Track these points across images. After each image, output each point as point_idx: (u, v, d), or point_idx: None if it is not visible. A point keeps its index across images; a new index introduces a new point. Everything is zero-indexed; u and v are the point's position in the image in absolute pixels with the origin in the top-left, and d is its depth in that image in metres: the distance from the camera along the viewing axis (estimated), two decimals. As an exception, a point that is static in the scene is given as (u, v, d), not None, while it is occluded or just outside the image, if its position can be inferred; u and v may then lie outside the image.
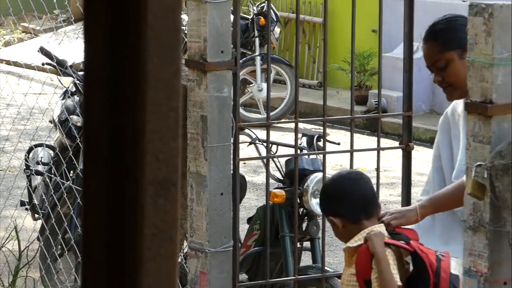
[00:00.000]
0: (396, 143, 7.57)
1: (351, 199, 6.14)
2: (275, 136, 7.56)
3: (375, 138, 7.42)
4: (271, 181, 7.70)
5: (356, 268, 6.03)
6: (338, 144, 7.78)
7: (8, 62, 22.07)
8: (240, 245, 7.18)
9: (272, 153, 7.67)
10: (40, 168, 9.87)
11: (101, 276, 2.21)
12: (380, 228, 6.15)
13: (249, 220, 8.04)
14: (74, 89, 9.81)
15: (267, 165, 7.62)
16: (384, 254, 5.99)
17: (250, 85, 16.26)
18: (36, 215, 9.73)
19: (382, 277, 5.94)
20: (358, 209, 6.10)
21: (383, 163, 7.64)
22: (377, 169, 7.36)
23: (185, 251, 6.72)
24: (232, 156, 6.75)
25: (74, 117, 9.30)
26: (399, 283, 6.01)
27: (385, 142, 7.86)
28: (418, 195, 7.49)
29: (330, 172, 7.86)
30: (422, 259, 6.08)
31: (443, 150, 6.51)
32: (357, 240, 6.06)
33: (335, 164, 8.06)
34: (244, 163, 7.00)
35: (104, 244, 2.08)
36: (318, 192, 7.62)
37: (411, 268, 6.12)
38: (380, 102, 8.89)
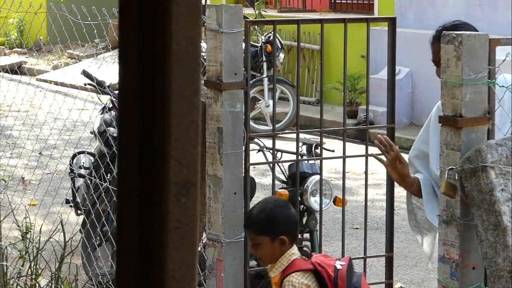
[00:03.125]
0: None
1: (291, 219, 6.04)
2: (279, 144, 7.54)
3: (364, 146, 7.41)
4: (276, 182, 7.70)
5: None
6: (333, 151, 7.76)
7: (56, 83, 22.10)
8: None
9: (277, 158, 7.66)
10: (82, 171, 9.87)
11: (133, 262, 2.20)
12: (290, 255, 5.89)
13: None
14: (111, 105, 9.81)
15: (273, 169, 7.62)
16: None
17: (259, 102, 16.23)
18: (79, 211, 9.72)
19: None
20: (291, 232, 5.95)
21: (371, 167, 7.62)
22: (366, 172, 7.36)
23: (204, 241, 6.69)
24: (243, 161, 6.74)
25: (111, 129, 9.30)
26: None
27: (372, 149, 7.79)
28: (399, 193, 7.48)
29: (326, 174, 7.85)
30: (321, 274, 5.87)
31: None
32: (277, 268, 5.87)
33: (330, 168, 8.05)
34: (254, 167, 6.98)
35: (136, 236, 2.08)
36: (317, 192, 7.62)
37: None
38: (368, 116, 8.86)
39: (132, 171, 2.08)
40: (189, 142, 2.04)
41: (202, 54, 6.78)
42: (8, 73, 22.09)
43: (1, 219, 9.47)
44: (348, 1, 19.93)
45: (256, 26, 13.92)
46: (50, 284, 8.49)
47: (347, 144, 7.36)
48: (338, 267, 5.99)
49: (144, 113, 1.99)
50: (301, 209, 7.73)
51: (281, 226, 5.85)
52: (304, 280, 5.75)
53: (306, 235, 7.80)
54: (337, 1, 20.22)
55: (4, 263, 9.06)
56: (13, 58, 24.31)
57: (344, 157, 7.23)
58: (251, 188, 7.22)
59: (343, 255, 7.51)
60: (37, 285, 8.65)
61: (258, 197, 7.84)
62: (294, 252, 5.82)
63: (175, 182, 2.04)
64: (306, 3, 20.77)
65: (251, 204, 7.21)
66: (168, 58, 2.00)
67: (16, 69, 22.80)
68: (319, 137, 7.73)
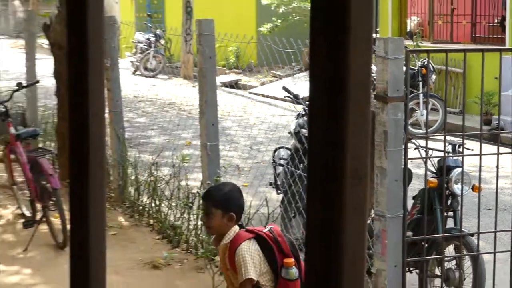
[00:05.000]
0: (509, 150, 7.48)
1: (241, 204, 5.87)
2: (430, 144, 7.44)
3: (496, 147, 7.32)
4: (428, 173, 7.62)
5: (233, 269, 5.60)
6: (472, 150, 7.63)
7: (263, 95, 22.27)
8: (407, 213, 7.09)
9: (429, 155, 7.58)
10: (282, 162, 9.91)
11: (317, 232, 2.19)
12: (236, 228, 5.71)
13: (414, 198, 7.93)
14: (303, 112, 9.83)
15: (425, 163, 7.54)
16: (241, 260, 5.53)
17: (415, 112, 16.10)
18: (278, 191, 9.75)
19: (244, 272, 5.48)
20: (239, 213, 5.77)
21: (501, 162, 7.49)
22: (497, 166, 7.23)
23: (372, 216, 6.64)
24: (403, 156, 6.69)
25: (303, 130, 9.31)
26: (252, 274, 5.50)
27: (502, 149, 7.70)
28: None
29: (466, 168, 7.72)
30: (263, 237, 5.67)
31: None
32: (226, 240, 5.66)
33: (470, 163, 7.90)
34: (411, 161, 6.89)
35: (320, 212, 2.07)
36: (459, 181, 7.50)
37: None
38: (499, 123, 8.78)
39: (319, 162, 2.08)
40: (362, 142, 2.04)
41: (372, 75, 6.76)
42: (228, 87, 22.35)
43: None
44: (485, 35, 19.55)
45: (414, 54, 13.76)
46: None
47: (483, 145, 7.22)
48: (271, 228, 5.86)
49: (328, 119, 1.98)
50: (446, 194, 7.63)
51: (233, 205, 5.69)
52: (252, 246, 5.58)
53: (450, 214, 7.69)
54: (477, 35, 19.85)
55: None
56: (231, 77, 24.49)
57: (480, 155, 7.12)
58: (408, 177, 7.15)
59: (478, 229, 7.39)
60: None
61: (414, 184, 7.75)
62: (236, 228, 5.65)
63: (350, 171, 2.03)
64: (453, 36, 20.46)
65: (408, 189, 7.13)
66: (347, 79, 1.99)
67: (233, 85, 23.10)
68: (461, 139, 7.64)
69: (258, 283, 5.48)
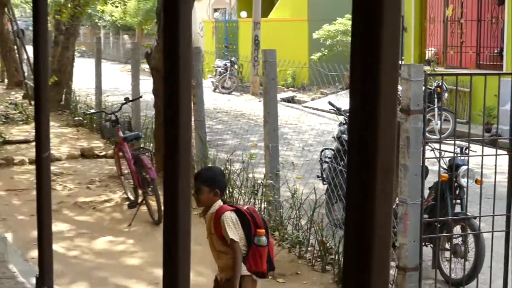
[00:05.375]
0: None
1: (223, 182, 5.85)
2: (443, 147, 7.39)
3: (494, 149, 7.30)
4: (441, 169, 7.59)
5: (217, 233, 5.55)
6: (475, 152, 7.57)
7: (313, 108, 22.22)
8: (424, 200, 7.04)
9: (442, 155, 7.52)
10: (327, 159, 9.88)
11: (354, 214, 2.18)
12: (220, 202, 5.67)
13: (429, 188, 7.87)
14: (344, 122, 9.80)
15: (439, 161, 7.49)
16: (225, 225, 5.50)
17: (431, 122, 15.97)
18: (324, 183, 9.72)
19: (223, 234, 5.47)
20: (222, 189, 5.75)
21: (498, 161, 7.46)
22: (495, 165, 7.19)
23: (396, 202, 6.59)
24: (421, 156, 6.64)
25: (344, 135, 9.30)
26: (232, 235, 5.42)
27: (499, 151, 7.63)
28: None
29: (471, 165, 7.66)
30: (242, 211, 5.61)
31: None
32: (212, 211, 5.60)
33: (473, 162, 7.82)
34: (428, 160, 6.84)
35: (357, 198, 2.06)
36: (465, 175, 7.48)
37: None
38: (497, 131, 8.71)
39: (356, 160, 2.07)
40: (389, 145, 2.02)
41: (398, 93, 6.75)
42: (285, 102, 22.33)
43: (280, 185, 9.57)
44: (487, 63, 19.41)
45: (431, 77, 13.65)
46: (308, 223, 8.50)
47: (484, 148, 7.16)
48: (247, 206, 5.88)
49: (363, 127, 1.98)
50: (455, 185, 7.59)
51: (218, 184, 5.65)
52: (232, 215, 5.53)
53: (458, 201, 7.64)
54: (480, 62, 19.70)
55: (281, 210, 9.14)
56: (288, 94, 24.49)
57: (482, 156, 7.05)
58: (425, 172, 7.11)
59: (480, 213, 7.32)
60: (299, 224, 8.69)
61: (429, 177, 7.69)
62: (220, 202, 5.60)
63: (380, 167, 2.02)
64: (461, 63, 20.33)
65: (425, 182, 7.07)
66: (379, 96, 1.98)
67: (290, 100, 23.06)
68: (467, 143, 7.59)
69: (234, 244, 5.46)
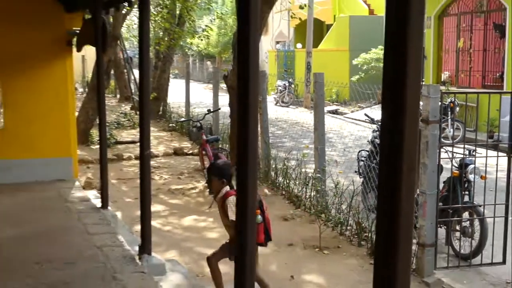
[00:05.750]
0: None
1: (229, 173, 5.63)
2: (455, 150, 7.30)
3: (495, 152, 7.18)
4: (453, 167, 7.47)
5: (224, 212, 5.52)
6: (480, 153, 7.45)
7: (352, 118, 21.96)
8: (439, 191, 6.93)
9: (454, 156, 7.39)
10: (363, 158, 9.74)
11: (384, 201, 2.17)
12: (227, 188, 5.60)
13: (444, 182, 7.71)
14: (376, 129, 9.68)
15: (451, 161, 7.37)
16: (228, 207, 5.46)
17: (446, 130, 15.69)
18: (360, 176, 9.60)
19: (228, 214, 5.42)
20: (228, 179, 5.60)
21: (500, 161, 7.33)
22: (496, 164, 7.09)
23: (417, 193, 6.50)
24: (437, 157, 6.55)
25: (376, 140, 9.17)
26: (231, 218, 5.38)
27: (500, 154, 7.51)
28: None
29: (477, 165, 7.53)
30: None
31: None
32: (220, 196, 5.56)
33: (479, 162, 7.69)
34: (442, 160, 6.76)
35: (387, 188, 2.04)
36: (472, 172, 7.36)
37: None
38: (498, 137, 8.51)
39: (386, 159, 2.05)
40: (412, 148, 2.00)
41: (420, 107, 6.68)
42: (331, 113, 22.17)
43: (326, 178, 9.51)
44: (491, 84, 19.08)
45: (445, 94, 13.43)
46: (347, 208, 8.44)
47: (488, 151, 7.03)
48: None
49: (392, 134, 1.96)
50: (464, 180, 7.44)
51: (224, 175, 5.58)
52: (233, 198, 5.32)
53: (466, 193, 7.50)
54: (485, 83, 19.37)
55: (326, 197, 9.07)
56: (333, 107, 24.31)
57: (486, 157, 6.92)
58: (440, 169, 7.00)
59: (484, 203, 7.19)
60: (340, 208, 8.63)
61: (444, 174, 7.57)
62: (227, 188, 5.54)
63: (405, 165, 2.00)
64: (470, 84, 20.00)
65: (440, 178, 6.96)
66: (405, 110, 1.95)
67: (334, 112, 22.90)
68: (474, 147, 7.45)
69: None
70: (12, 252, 6.42)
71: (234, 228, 5.34)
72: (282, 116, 22.65)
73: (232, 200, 5.41)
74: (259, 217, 5.47)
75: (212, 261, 5.75)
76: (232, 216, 5.37)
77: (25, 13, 9.32)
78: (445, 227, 7.47)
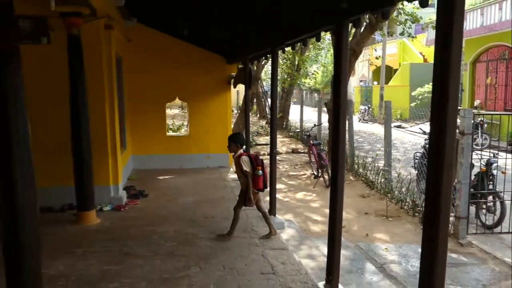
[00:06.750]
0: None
1: (241, 138, 5.25)
2: (483, 153, 6.80)
3: (513, 155, 6.62)
4: (481, 165, 6.95)
5: (239, 167, 5.17)
6: (502, 156, 6.90)
7: (411, 131, 20.88)
8: (471, 181, 6.47)
9: (482, 157, 6.87)
10: (417, 157, 9.28)
11: (431, 187, 2.06)
12: (241, 151, 5.24)
13: (475, 175, 7.16)
14: (427, 138, 9.17)
15: (480, 161, 6.86)
16: (243, 162, 5.15)
17: (476, 139, 14.59)
18: (415, 170, 9.13)
19: (242, 168, 5.11)
20: (241, 144, 5.22)
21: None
22: (514, 164, 6.54)
23: (455, 182, 6.11)
24: (470, 158, 6.12)
25: (427, 145, 8.68)
26: (246, 168, 5.11)
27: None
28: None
29: (500, 163, 6.95)
30: (251, 156, 5.20)
31: None
32: (236, 155, 5.20)
33: (501, 162, 7.09)
34: (473, 160, 6.31)
35: (433, 179, 1.94)
36: (496, 168, 6.82)
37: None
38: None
39: (433, 158, 1.95)
40: (452, 151, 1.88)
41: (457, 123, 6.27)
42: (396, 128, 21.26)
43: (391, 170, 9.14)
44: (510, 108, 17.55)
45: (476, 115, 12.56)
46: (405, 190, 8.08)
47: (508, 154, 6.48)
48: (256, 154, 5.33)
49: (438, 141, 1.86)
50: (489, 174, 6.89)
51: (239, 141, 5.21)
52: (246, 158, 5.15)
53: (490, 183, 6.94)
54: (506, 108, 17.84)
55: (391, 183, 8.70)
56: (397, 123, 23.29)
57: (506, 158, 6.39)
58: (472, 166, 6.53)
59: (503, 189, 6.64)
60: (401, 191, 8.27)
61: (474, 169, 7.06)
62: (241, 150, 5.19)
63: (447, 163, 1.89)
64: (495, 108, 18.50)
65: (472, 172, 6.49)
66: (447, 125, 1.84)
67: (398, 126, 21.88)
68: (497, 151, 6.90)
69: (247, 173, 5.19)
70: (192, 211, 6.69)
71: (247, 176, 5.19)
72: (363, 129, 22.06)
73: (245, 158, 5.23)
74: (260, 172, 5.24)
75: (237, 210, 5.44)
76: (246, 167, 5.19)
77: (204, 65, 9.82)
78: (475, 205, 6.99)
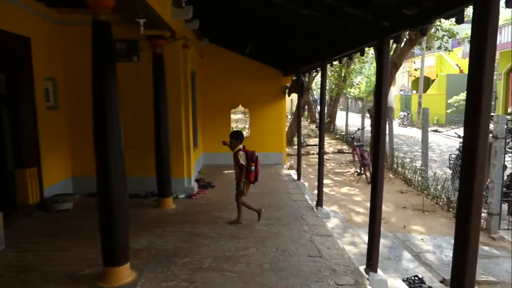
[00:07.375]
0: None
1: (242, 136, 5.01)
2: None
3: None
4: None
5: (236, 161, 4.97)
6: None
7: (447, 135, 19.89)
8: (503, 181, 6.05)
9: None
10: (452, 158, 8.75)
11: (465, 185, 1.96)
12: (240, 147, 5.01)
13: (507, 176, 6.70)
14: (461, 141, 8.65)
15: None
16: (240, 157, 4.94)
17: (509, 143, 13.60)
18: (450, 170, 8.66)
19: (238, 161, 4.92)
20: (241, 140, 4.99)
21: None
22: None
23: (488, 182, 5.73)
24: (503, 159, 5.72)
25: (461, 148, 8.22)
26: (242, 162, 4.92)
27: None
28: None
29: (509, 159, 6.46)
30: (247, 152, 4.98)
31: None
32: (235, 150, 4.99)
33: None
34: (506, 161, 5.89)
35: (466, 178, 1.84)
36: None
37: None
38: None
39: (467, 160, 1.85)
40: (484, 153, 1.78)
41: (490, 128, 5.87)
42: (433, 132, 20.28)
43: (428, 169, 8.75)
44: (543, 115, 16.27)
45: (510, 121, 11.79)
46: (441, 188, 7.70)
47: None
48: (253, 151, 5.07)
49: (471, 144, 1.77)
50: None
51: (239, 138, 5.02)
52: (242, 153, 4.95)
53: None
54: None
55: (428, 181, 8.33)
56: (434, 128, 22.23)
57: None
58: (504, 167, 6.09)
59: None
60: (437, 188, 7.89)
61: (507, 170, 6.59)
62: (240, 146, 4.97)
63: (479, 163, 1.79)
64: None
65: (505, 173, 6.06)
66: (479, 130, 1.74)
67: (435, 130, 20.89)
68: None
69: (242, 166, 5.03)
70: (251, 200, 6.75)
71: (242, 169, 5.08)
72: (402, 133, 21.27)
73: (242, 153, 5.11)
74: (253, 167, 5.08)
75: (239, 200, 5.33)
76: (241, 161, 5.05)
77: (264, 77, 9.89)
78: (507, 203, 6.53)
